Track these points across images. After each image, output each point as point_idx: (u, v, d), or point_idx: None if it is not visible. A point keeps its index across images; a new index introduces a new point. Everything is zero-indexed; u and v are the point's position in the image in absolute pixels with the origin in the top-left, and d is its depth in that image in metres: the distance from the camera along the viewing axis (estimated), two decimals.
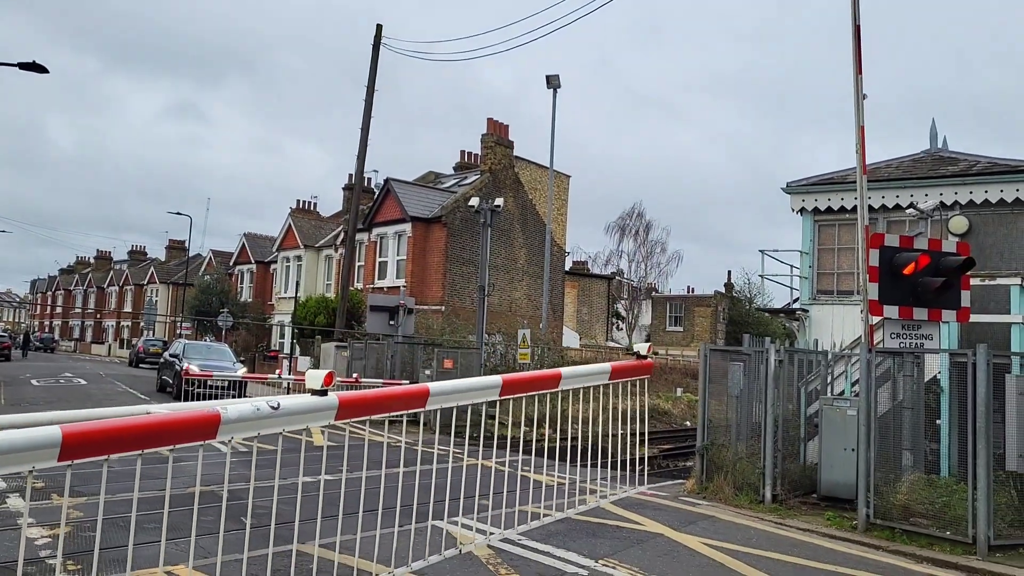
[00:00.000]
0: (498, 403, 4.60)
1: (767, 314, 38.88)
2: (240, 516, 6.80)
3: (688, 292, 58.24)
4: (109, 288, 73.01)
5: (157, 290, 63.69)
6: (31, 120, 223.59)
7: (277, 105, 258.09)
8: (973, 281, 11.53)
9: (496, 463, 7.13)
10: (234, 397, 18.93)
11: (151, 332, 54.50)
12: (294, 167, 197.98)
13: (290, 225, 43.45)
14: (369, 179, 41.51)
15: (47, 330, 79.53)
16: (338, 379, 19.88)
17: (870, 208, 14.32)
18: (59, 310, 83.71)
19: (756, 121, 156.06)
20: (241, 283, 49.41)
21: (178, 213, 57.33)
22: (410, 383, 18.36)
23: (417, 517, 4.23)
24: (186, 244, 61.59)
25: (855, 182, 11.46)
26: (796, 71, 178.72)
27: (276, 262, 45.08)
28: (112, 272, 75.28)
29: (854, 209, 12.87)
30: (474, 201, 23.14)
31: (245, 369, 26.76)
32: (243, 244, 49.70)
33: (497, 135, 35.62)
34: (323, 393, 3.33)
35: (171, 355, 25.12)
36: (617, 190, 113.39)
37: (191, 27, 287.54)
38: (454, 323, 28.09)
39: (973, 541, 8.24)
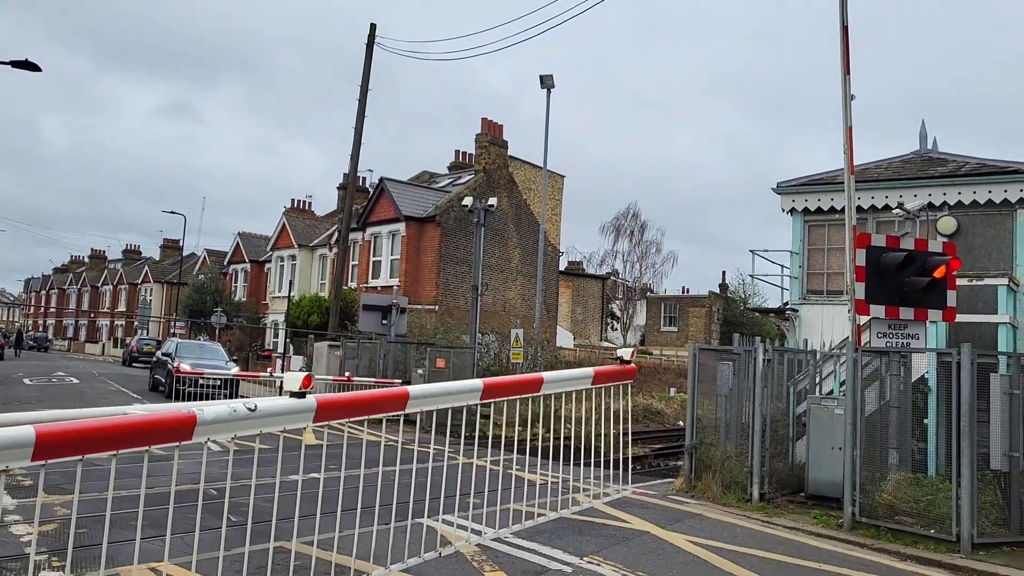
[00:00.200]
0: (492, 404, 4.62)
1: (759, 314, 38.98)
2: (230, 514, 6.82)
3: (683, 292, 58.36)
4: (103, 287, 72.85)
5: (151, 289, 63.56)
6: (27, 119, 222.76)
7: (274, 105, 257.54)
8: (961, 281, 11.61)
9: (479, 462, 7.15)
10: (226, 396, 18.97)
11: (145, 331, 54.37)
12: (291, 167, 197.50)
13: (284, 224, 43.44)
14: (364, 178, 41.59)
15: (41, 329, 79.12)
16: (330, 378, 19.91)
17: (860, 208, 14.40)
18: (53, 309, 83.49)
19: (755, 122, 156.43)
20: (235, 282, 49.43)
21: (173, 212, 57.20)
22: (402, 382, 18.40)
23: (403, 515, 4.25)
24: (181, 243, 61.50)
25: (844, 182, 11.53)
26: (796, 71, 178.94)
27: (270, 261, 45.06)
28: (106, 271, 75.15)
29: (843, 209, 12.94)
30: (468, 201, 23.17)
31: (238, 368, 26.77)
32: (237, 243, 49.69)
33: (491, 135, 35.70)
34: (302, 395, 3.37)
35: (164, 354, 25.08)
36: (616, 190, 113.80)
37: (190, 27, 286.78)
38: (447, 323, 28.08)
39: (957, 539, 8.30)
